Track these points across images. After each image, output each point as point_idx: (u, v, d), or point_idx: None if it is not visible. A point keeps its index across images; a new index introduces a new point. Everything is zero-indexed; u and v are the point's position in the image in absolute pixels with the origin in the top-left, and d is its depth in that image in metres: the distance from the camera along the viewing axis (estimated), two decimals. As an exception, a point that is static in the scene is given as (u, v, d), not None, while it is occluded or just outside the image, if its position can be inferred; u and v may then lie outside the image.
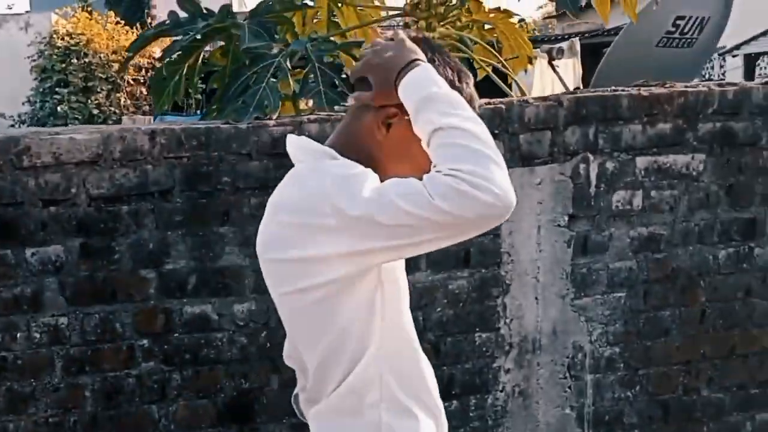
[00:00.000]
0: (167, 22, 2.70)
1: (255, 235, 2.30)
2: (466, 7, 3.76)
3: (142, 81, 8.17)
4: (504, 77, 3.59)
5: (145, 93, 8.04)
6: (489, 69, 3.74)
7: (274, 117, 2.32)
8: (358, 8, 3.62)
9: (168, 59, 2.96)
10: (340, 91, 2.45)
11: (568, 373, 2.67)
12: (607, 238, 2.61)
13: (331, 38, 2.70)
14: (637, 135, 2.51)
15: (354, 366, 1.26)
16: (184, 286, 2.32)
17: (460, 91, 1.25)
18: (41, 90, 8.01)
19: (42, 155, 2.18)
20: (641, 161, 2.60)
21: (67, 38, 7.99)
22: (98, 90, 7.84)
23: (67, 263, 2.24)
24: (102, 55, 7.56)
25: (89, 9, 8.68)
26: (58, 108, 7.59)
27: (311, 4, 3.61)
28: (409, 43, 1.25)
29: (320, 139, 2.33)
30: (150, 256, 2.28)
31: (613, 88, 2.58)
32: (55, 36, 8.00)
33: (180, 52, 2.91)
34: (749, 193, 2.72)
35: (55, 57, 7.90)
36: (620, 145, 2.53)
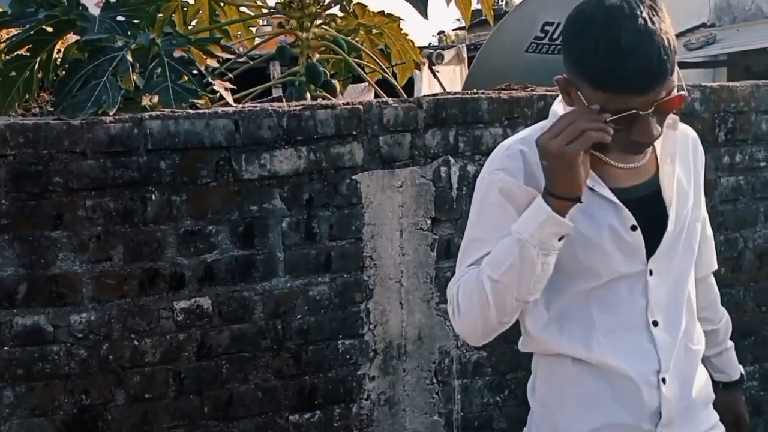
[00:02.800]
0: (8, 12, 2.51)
1: (91, 240, 2.19)
2: (351, 11, 3.72)
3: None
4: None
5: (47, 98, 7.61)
6: (378, 76, 3.71)
7: (112, 113, 2.18)
8: (240, 8, 3.52)
9: (15, 54, 2.77)
10: (192, 87, 2.33)
11: (435, 379, 2.63)
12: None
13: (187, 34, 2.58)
14: (497, 138, 2.48)
15: None
16: (13, 296, 2.14)
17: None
18: None
19: None
20: (504, 164, 2.58)
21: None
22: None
23: None
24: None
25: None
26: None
27: (190, 0, 3.49)
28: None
29: (164, 138, 2.23)
30: (-29, 263, 2.10)
31: (474, 90, 2.56)
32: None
33: (30, 47, 2.74)
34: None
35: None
36: (481, 148, 2.51)
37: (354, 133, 2.42)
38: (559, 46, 3.27)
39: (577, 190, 1.22)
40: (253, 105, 2.51)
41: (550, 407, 1.44)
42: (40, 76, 2.84)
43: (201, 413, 2.33)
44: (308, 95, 3.19)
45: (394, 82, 3.63)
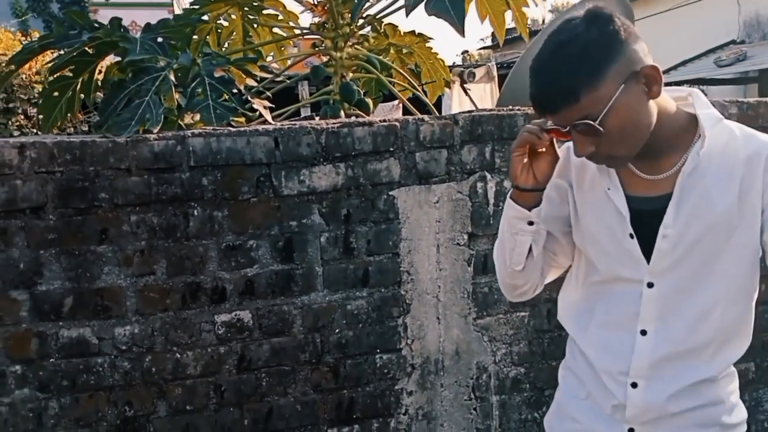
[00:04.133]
0: (52, 34, 2.60)
1: (135, 254, 2.24)
2: (383, 31, 3.77)
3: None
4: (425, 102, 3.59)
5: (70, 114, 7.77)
6: (409, 94, 3.75)
7: (156, 131, 2.23)
8: (273, 29, 3.59)
9: (58, 75, 2.85)
10: (232, 106, 2.38)
11: (473, 395, 2.62)
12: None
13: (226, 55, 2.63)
14: (533, 152, 2.49)
15: None
16: (60, 309, 2.19)
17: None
18: (-41, 111, 7.73)
19: None
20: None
21: (-13, 58, 7.77)
22: (19, 111, 7.59)
23: (-74, 284, 2.09)
24: (24, 76, 7.33)
25: (17, 29, 8.46)
26: (-24, 130, 7.32)
27: (224, 22, 3.56)
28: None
29: (206, 155, 2.28)
30: (21, 277, 2.15)
31: (510, 107, 2.57)
32: (-26, 55, 7.76)
33: (73, 67, 2.82)
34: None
35: (-26, 77, 7.65)
36: (517, 162, 2.51)
37: (391, 149, 2.45)
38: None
39: (516, 181, 1.39)
40: (292, 123, 2.55)
41: (559, 381, 1.59)
42: (81, 96, 2.92)
43: (241, 426, 2.35)
44: (342, 113, 3.23)
45: (426, 99, 3.66)
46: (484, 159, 2.51)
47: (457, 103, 4.50)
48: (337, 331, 2.45)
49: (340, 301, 2.45)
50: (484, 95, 4.75)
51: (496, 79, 5.21)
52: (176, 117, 2.53)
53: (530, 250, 1.45)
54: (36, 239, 2.15)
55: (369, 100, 3.48)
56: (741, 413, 1.43)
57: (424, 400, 2.57)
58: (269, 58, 3.87)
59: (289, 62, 4.00)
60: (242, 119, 2.61)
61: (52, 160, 2.14)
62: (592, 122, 1.22)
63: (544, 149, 1.35)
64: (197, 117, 2.41)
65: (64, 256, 2.18)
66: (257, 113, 2.52)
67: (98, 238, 2.20)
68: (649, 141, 1.30)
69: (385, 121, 2.48)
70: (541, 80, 1.25)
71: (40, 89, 7.51)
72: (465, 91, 4.27)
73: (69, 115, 2.98)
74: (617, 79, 1.21)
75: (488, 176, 2.52)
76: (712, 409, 1.39)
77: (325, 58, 3.42)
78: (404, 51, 3.94)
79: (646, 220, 1.34)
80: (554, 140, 1.35)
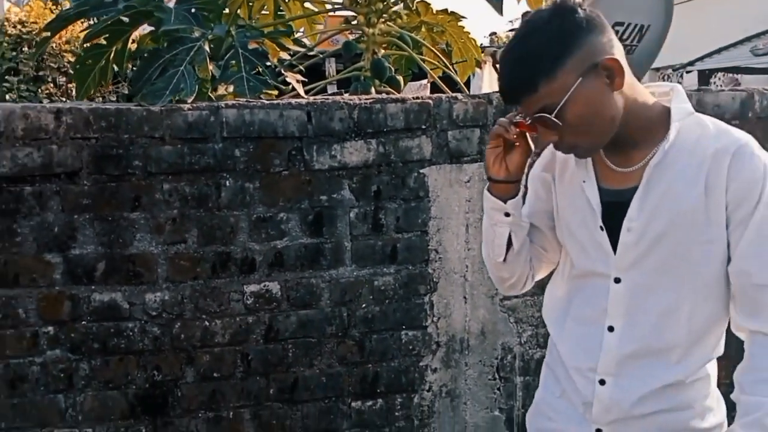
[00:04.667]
0: (88, 2, 2.60)
1: (167, 222, 2.26)
2: (415, 8, 3.74)
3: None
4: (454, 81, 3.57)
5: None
6: (439, 72, 3.72)
7: (190, 101, 2.24)
8: (304, 4, 3.58)
9: (92, 43, 2.87)
10: (265, 78, 2.38)
11: (497, 375, 2.63)
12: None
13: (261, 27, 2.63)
14: (567, 133, 2.47)
15: None
16: (92, 273, 2.22)
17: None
18: (-10, 77, 7.82)
19: (-62, 129, 2.08)
20: (572, 161, 2.57)
21: (19, 26, 7.80)
22: (49, 80, 7.65)
23: (-36, 245, 2.13)
24: (54, 45, 7.39)
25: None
26: (7, 96, 7.39)
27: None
28: None
29: (239, 126, 2.29)
30: (55, 240, 2.19)
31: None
32: (6, 23, 7.80)
33: (107, 36, 2.83)
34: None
35: (5, 45, 7.70)
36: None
37: (423, 127, 2.44)
38: (628, 47, 3.24)
39: (489, 172, 1.42)
40: (325, 97, 2.55)
41: (540, 378, 1.58)
42: (114, 65, 2.94)
43: (267, 395, 2.38)
44: (373, 90, 3.22)
45: (456, 78, 3.64)
46: (517, 139, 2.49)
47: (487, 83, 4.45)
48: (363, 306, 2.46)
49: (368, 276, 2.46)
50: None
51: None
52: (207, 88, 2.54)
53: (511, 242, 1.45)
54: (70, 204, 2.18)
55: (400, 78, 3.47)
56: (716, 417, 1.38)
57: (448, 378, 2.58)
58: (298, 34, 3.86)
59: (319, 38, 3.99)
60: (275, 92, 2.61)
61: (88, 126, 2.16)
62: (548, 115, 1.23)
63: (516, 142, 1.36)
64: (231, 88, 2.41)
65: (97, 222, 2.20)
66: (290, 87, 2.52)
67: (131, 205, 2.22)
68: (621, 133, 1.29)
69: (418, 98, 2.47)
70: (504, 70, 1.28)
71: (70, 58, 7.57)
72: (497, 71, 4.20)
73: (103, 83, 3.00)
74: (576, 70, 1.22)
75: (520, 156, 2.50)
76: (678, 414, 1.35)
77: (351, 36, 3.41)
78: (436, 29, 3.91)
79: (616, 213, 1.33)
80: (527, 133, 1.35)
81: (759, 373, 1.26)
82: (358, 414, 2.47)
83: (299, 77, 2.57)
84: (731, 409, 1.33)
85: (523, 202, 1.48)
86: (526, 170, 1.42)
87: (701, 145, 1.28)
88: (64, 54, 7.55)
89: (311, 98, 2.48)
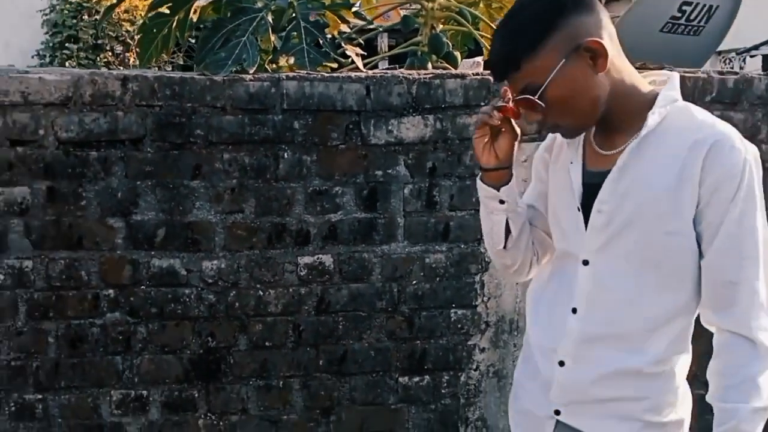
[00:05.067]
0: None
1: (226, 192, 2.30)
2: (473, -19, 3.68)
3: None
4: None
5: (155, 54, 7.95)
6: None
7: (252, 71, 2.26)
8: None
9: (156, 12, 2.90)
10: (324, 50, 2.38)
11: (543, 357, 2.61)
12: (591, 220, 2.54)
13: None
14: (629, 116, 2.42)
15: None
16: (152, 239, 2.28)
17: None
18: (51, 45, 7.99)
19: (10, 93, 2.13)
20: (633, 144, 2.52)
21: (79, -5, 7.98)
22: (107, 48, 7.80)
23: (33, 206, 2.20)
24: (113, 14, 7.52)
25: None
26: (67, 63, 7.56)
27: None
28: None
29: (299, 98, 2.30)
30: (118, 205, 2.24)
31: (609, 66, 2.49)
32: (67, -8, 7.99)
33: (170, 5, 2.86)
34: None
35: (66, 12, 7.86)
36: (611, 125, 2.45)
37: (482, 104, 2.41)
38: (695, 28, 3.14)
39: (479, 161, 1.41)
40: (384, 71, 2.54)
41: None
42: (176, 34, 2.97)
43: (316, 365, 2.41)
44: (429, 66, 3.19)
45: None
46: (577, 120, 2.45)
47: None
48: (414, 282, 2.47)
49: (419, 253, 2.46)
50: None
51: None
52: (263, 60, 2.55)
53: (510, 229, 1.45)
54: (134, 170, 2.23)
55: (457, 54, 3.43)
56: (675, 413, 1.35)
57: (496, 358, 2.58)
58: (355, 8, 3.84)
59: (377, 11, 3.96)
60: (335, 65, 2.61)
61: (153, 94, 2.20)
62: (530, 96, 1.23)
63: (502, 128, 1.35)
64: (291, 60, 2.42)
65: (159, 189, 2.25)
66: (349, 60, 2.51)
67: (192, 174, 2.26)
68: (606, 116, 1.28)
69: (478, 74, 2.44)
70: (492, 46, 1.29)
71: (128, 27, 7.70)
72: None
73: (165, 51, 3.04)
74: (558, 50, 1.21)
75: (580, 138, 2.46)
76: (633, 403, 1.33)
77: (401, 13, 3.37)
78: (494, 5, 3.85)
79: (594, 195, 1.33)
80: (512, 119, 1.34)
81: (733, 378, 1.24)
82: (404, 389, 2.49)
83: (359, 50, 2.56)
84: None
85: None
86: (515, 155, 1.41)
87: (681, 135, 1.26)
88: (123, 23, 7.68)
89: (370, 72, 2.47)
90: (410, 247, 2.45)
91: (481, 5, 3.80)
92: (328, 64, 2.56)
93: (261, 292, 2.36)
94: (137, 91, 2.18)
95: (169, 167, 2.25)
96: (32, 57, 8.29)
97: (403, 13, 3.84)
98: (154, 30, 2.93)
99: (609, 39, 1.24)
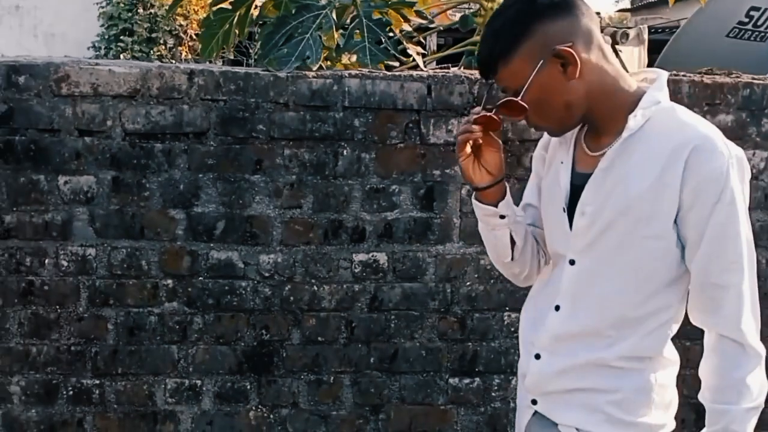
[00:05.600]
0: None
1: (285, 187, 2.32)
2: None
3: (204, 37, 8.19)
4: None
5: (207, 49, 8.08)
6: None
7: (315, 69, 2.27)
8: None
9: (219, 7, 2.94)
10: (385, 48, 2.38)
11: (595, 364, 2.58)
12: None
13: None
14: (694, 123, 2.37)
15: None
16: (212, 231, 2.31)
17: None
18: (106, 37, 8.18)
19: (80, 84, 2.18)
20: (697, 151, 2.47)
21: (135, -12, 8.15)
22: (161, 42, 7.95)
23: (98, 195, 2.25)
24: (166, 8, 7.66)
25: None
26: (121, 56, 7.72)
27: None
28: None
29: (360, 96, 2.30)
30: (180, 197, 2.28)
31: (674, 72, 2.44)
32: (123, -15, 8.16)
33: (233, 1, 2.89)
34: (810, 196, 2.55)
35: (122, 5, 8.04)
36: (676, 131, 2.40)
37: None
38: (762, 34, 3.07)
39: (473, 183, 1.40)
40: (445, 71, 2.53)
41: None
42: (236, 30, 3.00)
43: (367, 363, 2.42)
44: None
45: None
46: (641, 125, 2.41)
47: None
48: (468, 283, 2.46)
49: (474, 254, 2.45)
50: (631, 59, 4.51)
51: (646, 43, 4.94)
52: (329, 57, 2.56)
53: (514, 240, 1.45)
54: (196, 163, 2.26)
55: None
56: (649, 416, 1.32)
57: (546, 363, 2.55)
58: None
59: (434, 11, 3.95)
60: (396, 63, 2.61)
61: (218, 88, 2.23)
62: (514, 98, 1.25)
63: (483, 142, 1.35)
64: (353, 58, 2.43)
65: (220, 182, 2.28)
66: (410, 59, 2.51)
67: (252, 168, 2.29)
68: (591, 117, 1.30)
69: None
70: (478, 47, 1.31)
71: (181, 21, 7.82)
72: (616, 52, 4.06)
73: (225, 46, 3.08)
74: (531, 56, 1.22)
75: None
76: (597, 395, 1.33)
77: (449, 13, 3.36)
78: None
79: (579, 197, 1.34)
80: (490, 131, 1.34)
81: (723, 380, 1.26)
82: (455, 390, 2.48)
83: (419, 49, 2.56)
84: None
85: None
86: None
87: (664, 138, 1.24)
88: (177, 17, 7.82)
89: (431, 71, 2.47)
90: (465, 248, 2.44)
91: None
92: (392, 63, 2.57)
93: (315, 288, 2.37)
94: (203, 86, 2.21)
95: (231, 161, 2.28)
96: (88, 49, 8.50)
97: (454, 13, 3.83)
98: (216, 25, 2.97)
99: (584, 44, 1.24)
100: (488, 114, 1.30)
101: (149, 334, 2.34)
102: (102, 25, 8.42)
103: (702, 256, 1.25)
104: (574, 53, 1.22)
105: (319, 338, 2.40)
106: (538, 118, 1.30)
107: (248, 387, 2.38)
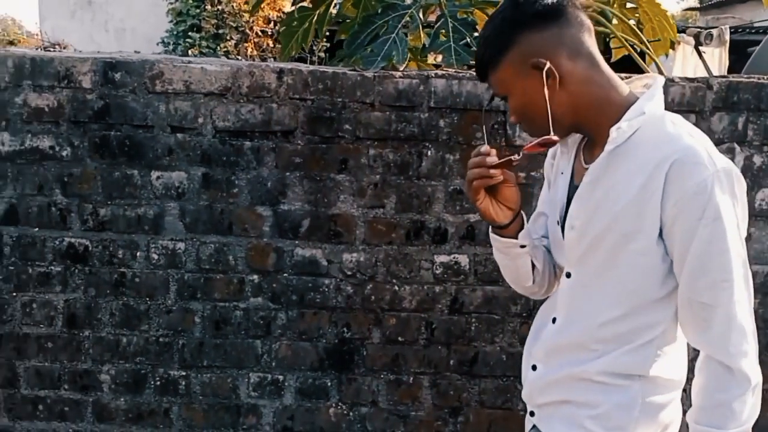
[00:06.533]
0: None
1: (369, 186, 2.33)
2: (611, -18, 3.56)
3: (269, 33, 8.35)
4: (642, 58, 3.38)
5: (271, 45, 8.23)
6: (629, 48, 3.54)
7: (401, 69, 2.27)
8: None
9: (300, 5, 2.97)
10: (472, 49, 2.36)
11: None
12: (745, 238, 2.42)
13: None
14: (792, 128, 2.29)
15: None
16: (297, 229, 2.34)
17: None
18: (175, 33, 8.35)
19: (174, 82, 2.23)
20: (793, 157, 2.38)
21: (203, -16, 8.30)
22: (228, 38, 8.07)
23: (188, 191, 2.30)
24: (234, 5, 7.77)
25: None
26: (189, 51, 7.88)
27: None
28: None
29: (446, 97, 2.29)
30: (267, 194, 2.31)
31: (763, 77, 2.36)
32: (191, -17, 8.32)
33: (313, -1, 2.92)
34: None
35: (190, 2, 8.20)
36: (772, 137, 2.32)
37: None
38: None
39: (494, 222, 1.38)
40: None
41: None
42: (315, 28, 3.03)
43: (446, 365, 2.41)
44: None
45: (639, 60, 3.44)
46: (736, 129, 2.33)
47: (679, 66, 4.16)
48: (548, 287, 2.42)
49: (556, 258, 2.41)
50: (711, 60, 4.36)
51: (728, 44, 4.76)
52: (413, 56, 2.56)
53: (534, 265, 1.45)
54: (284, 161, 2.29)
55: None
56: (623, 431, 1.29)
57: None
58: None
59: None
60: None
61: (306, 87, 2.25)
62: (548, 136, 1.24)
63: (499, 179, 1.33)
64: (439, 58, 2.42)
65: (306, 180, 2.30)
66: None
67: (338, 167, 2.30)
68: (581, 129, 1.29)
69: (629, 76, 2.36)
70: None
71: (248, 18, 7.93)
72: (700, 54, 3.93)
73: (304, 45, 3.11)
74: (515, 66, 1.22)
75: (737, 149, 2.34)
76: (577, 408, 1.32)
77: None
78: (628, 5, 3.72)
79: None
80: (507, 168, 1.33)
81: (707, 401, 1.22)
82: (534, 394, 2.45)
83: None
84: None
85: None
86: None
87: (650, 149, 1.20)
88: (243, 14, 7.93)
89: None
90: (547, 251, 2.41)
91: (616, 6, 3.68)
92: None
93: (396, 288, 2.38)
94: (291, 85, 2.24)
95: (317, 160, 2.30)
96: (156, 44, 8.70)
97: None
98: (296, 24, 3.01)
99: (570, 55, 1.21)
100: (510, 158, 1.29)
101: (234, 329, 2.38)
102: (171, 21, 8.61)
103: (687, 273, 1.20)
104: (552, 67, 1.20)
105: (399, 338, 2.40)
106: (527, 127, 1.31)
107: (329, 384, 2.41)
